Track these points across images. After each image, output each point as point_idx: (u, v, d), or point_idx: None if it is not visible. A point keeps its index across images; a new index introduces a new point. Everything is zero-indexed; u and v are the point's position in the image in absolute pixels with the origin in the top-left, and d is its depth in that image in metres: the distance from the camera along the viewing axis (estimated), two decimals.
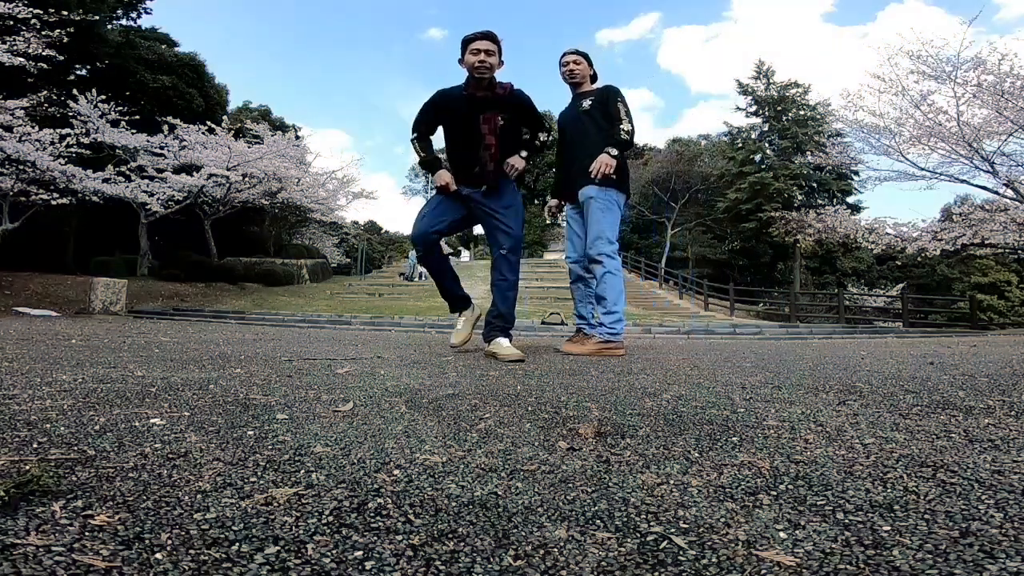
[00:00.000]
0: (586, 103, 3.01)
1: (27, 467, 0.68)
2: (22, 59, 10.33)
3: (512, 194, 2.76)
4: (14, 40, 10.35)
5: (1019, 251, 14.09)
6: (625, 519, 0.60)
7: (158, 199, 15.58)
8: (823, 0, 76.09)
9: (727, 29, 78.12)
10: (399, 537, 0.55)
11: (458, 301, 2.90)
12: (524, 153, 2.73)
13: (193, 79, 18.78)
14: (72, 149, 12.67)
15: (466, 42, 2.55)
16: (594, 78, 3.13)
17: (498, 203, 2.70)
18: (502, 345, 2.56)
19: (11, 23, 10.28)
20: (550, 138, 2.87)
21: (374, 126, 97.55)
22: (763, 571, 0.49)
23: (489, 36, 2.54)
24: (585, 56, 3.12)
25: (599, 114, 2.94)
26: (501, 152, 2.66)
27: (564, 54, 3.14)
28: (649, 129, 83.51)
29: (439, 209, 2.71)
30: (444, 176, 2.67)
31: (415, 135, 2.72)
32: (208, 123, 16.44)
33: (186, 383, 1.42)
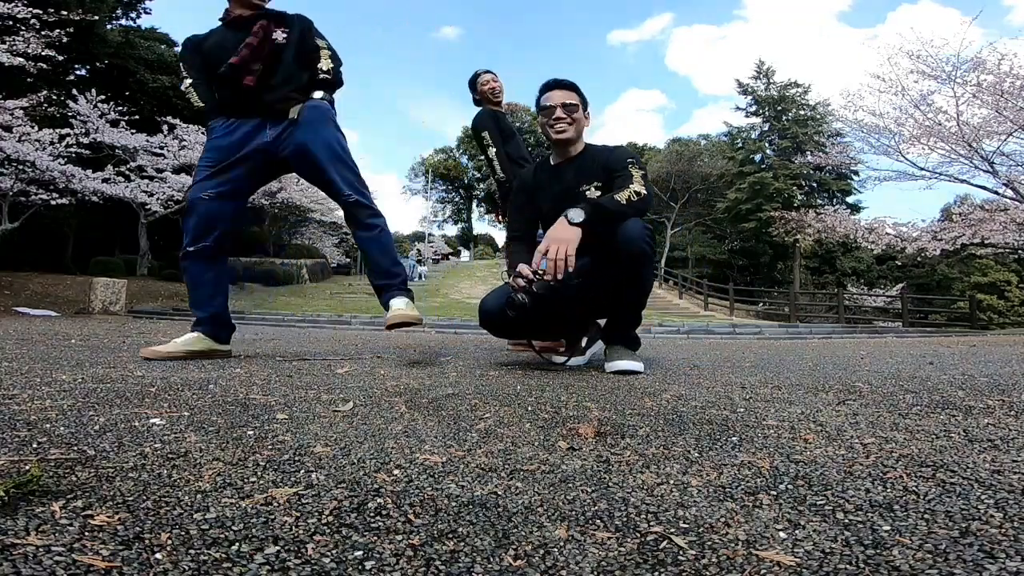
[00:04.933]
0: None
1: (27, 467, 0.68)
2: (22, 59, 10.33)
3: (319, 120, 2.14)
4: (14, 40, 10.34)
5: (1019, 251, 14.07)
6: (625, 519, 0.60)
7: (158, 199, 15.59)
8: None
9: (738, 29, 77.77)
10: (399, 537, 0.55)
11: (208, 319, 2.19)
12: (319, 94, 2.16)
13: None
14: (72, 149, 12.67)
15: None
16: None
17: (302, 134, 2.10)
18: (399, 306, 2.10)
19: (11, 23, 10.27)
20: (331, 72, 2.22)
21: (383, 126, 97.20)
22: (763, 571, 0.49)
23: None
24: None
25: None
26: (281, 75, 2.13)
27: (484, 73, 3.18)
28: (658, 130, 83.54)
29: (224, 177, 2.11)
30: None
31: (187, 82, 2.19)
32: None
33: (186, 383, 1.42)
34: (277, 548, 0.51)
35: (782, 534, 0.57)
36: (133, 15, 18.74)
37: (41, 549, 0.49)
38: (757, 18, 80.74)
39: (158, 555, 0.49)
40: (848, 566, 0.50)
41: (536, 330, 2.21)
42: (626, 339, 2.03)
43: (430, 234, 44.33)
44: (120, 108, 14.89)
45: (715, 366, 2.26)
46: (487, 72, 3.20)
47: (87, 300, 9.90)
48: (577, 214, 1.81)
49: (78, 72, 15.88)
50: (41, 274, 12.99)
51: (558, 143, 2.10)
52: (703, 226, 30.79)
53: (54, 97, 12.75)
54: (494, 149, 2.94)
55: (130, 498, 0.61)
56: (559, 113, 2.06)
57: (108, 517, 0.56)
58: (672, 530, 0.58)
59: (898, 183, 13.57)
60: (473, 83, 3.18)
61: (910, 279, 27.13)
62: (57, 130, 12.33)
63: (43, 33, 10.45)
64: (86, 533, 0.52)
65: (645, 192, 1.92)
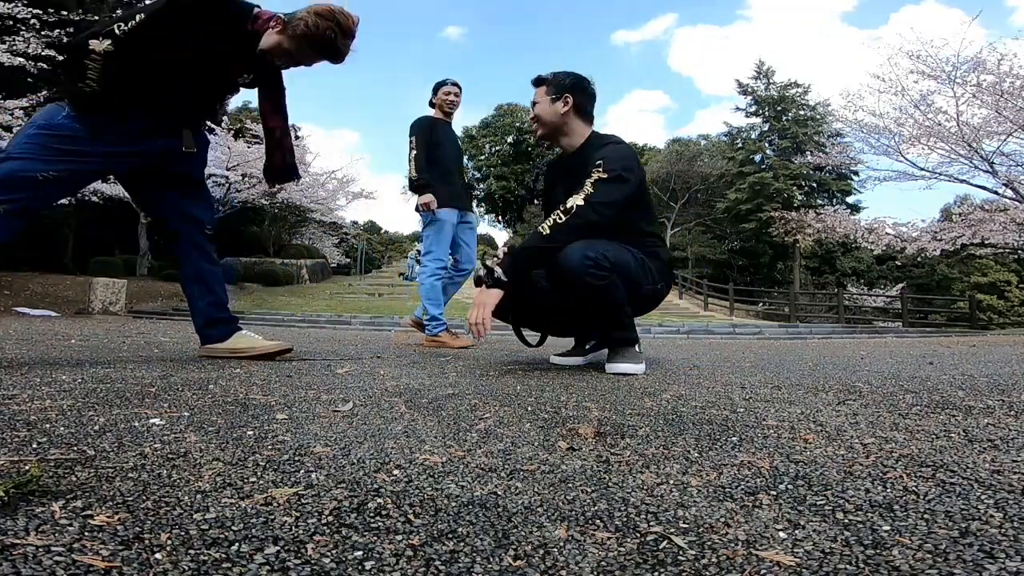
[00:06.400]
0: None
1: (27, 467, 0.68)
2: (22, 59, 10.33)
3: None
4: (14, 40, 10.34)
5: (1019, 251, 14.09)
6: (625, 519, 0.60)
7: None
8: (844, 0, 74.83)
9: (741, 30, 77.29)
10: (399, 537, 0.55)
11: None
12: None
13: None
14: None
15: None
16: None
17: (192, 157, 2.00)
18: (252, 337, 2.16)
19: (11, 23, 10.28)
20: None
21: (389, 125, 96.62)
22: (763, 571, 0.49)
23: None
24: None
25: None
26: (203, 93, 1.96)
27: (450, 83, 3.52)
28: (660, 130, 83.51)
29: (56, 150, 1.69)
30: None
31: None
32: (208, 123, 16.44)
33: (186, 383, 1.42)
34: (277, 548, 0.51)
35: (782, 534, 0.56)
36: None
37: (41, 549, 0.49)
38: (760, 18, 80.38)
39: (158, 555, 0.49)
40: (848, 566, 0.50)
41: (526, 321, 2.19)
42: (620, 339, 1.96)
43: None
44: None
45: (715, 366, 2.26)
46: (453, 84, 3.51)
47: (87, 300, 9.90)
48: (488, 275, 1.82)
49: None
50: (41, 274, 12.98)
51: (537, 142, 2.15)
52: (703, 226, 30.80)
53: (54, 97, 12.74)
54: (415, 152, 3.33)
55: (130, 498, 0.61)
56: (532, 114, 2.09)
57: (108, 517, 0.56)
58: (672, 530, 0.57)
59: (898, 183, 13.60)
60: (436, 89, 3.51)
61: (910, 279, 27.14)
62: None
63: (43, 33, 10.45)
64: (86, 533, 0.52)
65: (580, 204, 1.77)
